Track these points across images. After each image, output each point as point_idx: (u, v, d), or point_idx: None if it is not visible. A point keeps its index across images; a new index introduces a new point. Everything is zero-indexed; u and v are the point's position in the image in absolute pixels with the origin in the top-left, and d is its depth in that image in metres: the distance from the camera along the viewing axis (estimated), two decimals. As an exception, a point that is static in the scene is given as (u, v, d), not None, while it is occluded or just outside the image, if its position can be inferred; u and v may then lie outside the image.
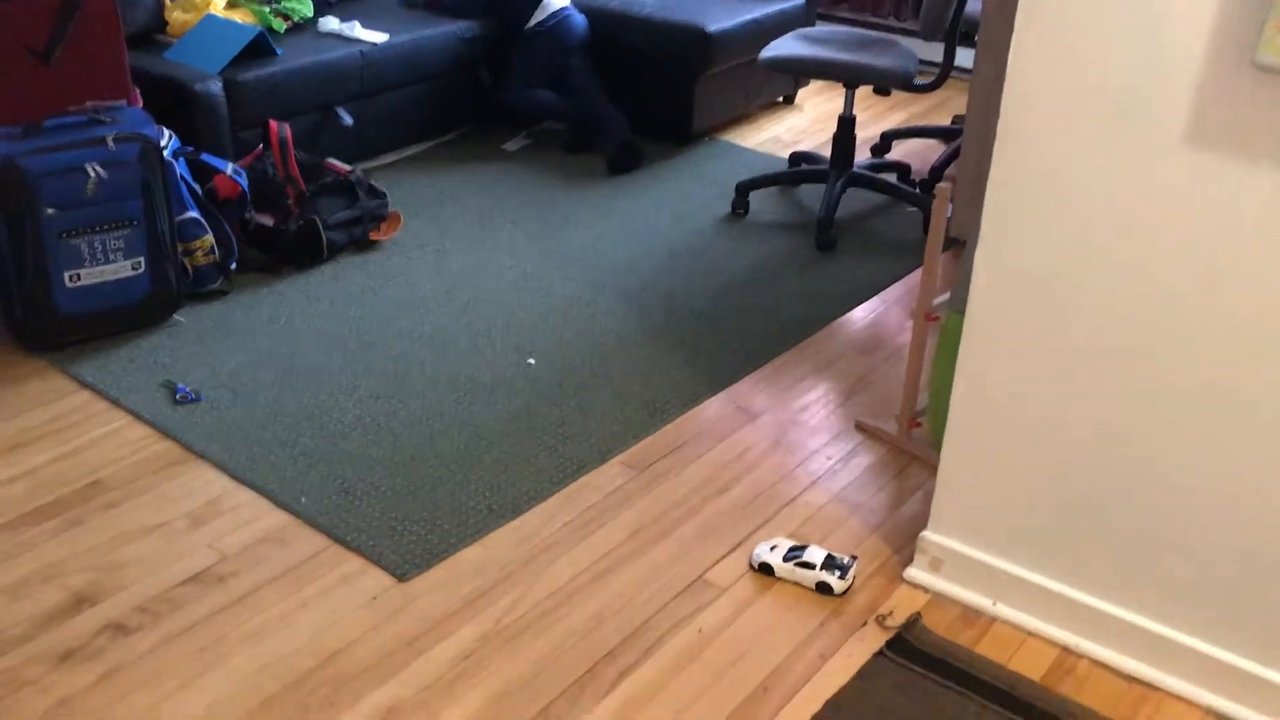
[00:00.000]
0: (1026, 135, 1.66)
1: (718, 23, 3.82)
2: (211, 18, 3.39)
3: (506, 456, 2.37)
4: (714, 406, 2.58)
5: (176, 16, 3.47)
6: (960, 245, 3.07)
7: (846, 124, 3.46)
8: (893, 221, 3.53)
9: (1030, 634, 1.93)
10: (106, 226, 2.60)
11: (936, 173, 3.72)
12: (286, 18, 3.58)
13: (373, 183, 3.27)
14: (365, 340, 2.78)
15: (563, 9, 3.84)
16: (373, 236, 3.23)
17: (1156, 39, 1.50)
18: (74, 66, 2.81)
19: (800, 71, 3.39)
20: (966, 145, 2.19)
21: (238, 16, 3.47)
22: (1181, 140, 1.53)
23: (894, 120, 4.33)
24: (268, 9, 3.54)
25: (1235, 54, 1.45)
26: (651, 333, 2.86)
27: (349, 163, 3.33)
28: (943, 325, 2.20)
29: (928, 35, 3.10)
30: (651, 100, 3.93)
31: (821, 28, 3.62)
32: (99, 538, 2.10)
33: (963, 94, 4.38)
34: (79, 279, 2.61)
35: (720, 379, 2.68)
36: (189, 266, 2.84)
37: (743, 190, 3.52)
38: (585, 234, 3.36)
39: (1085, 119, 1.60)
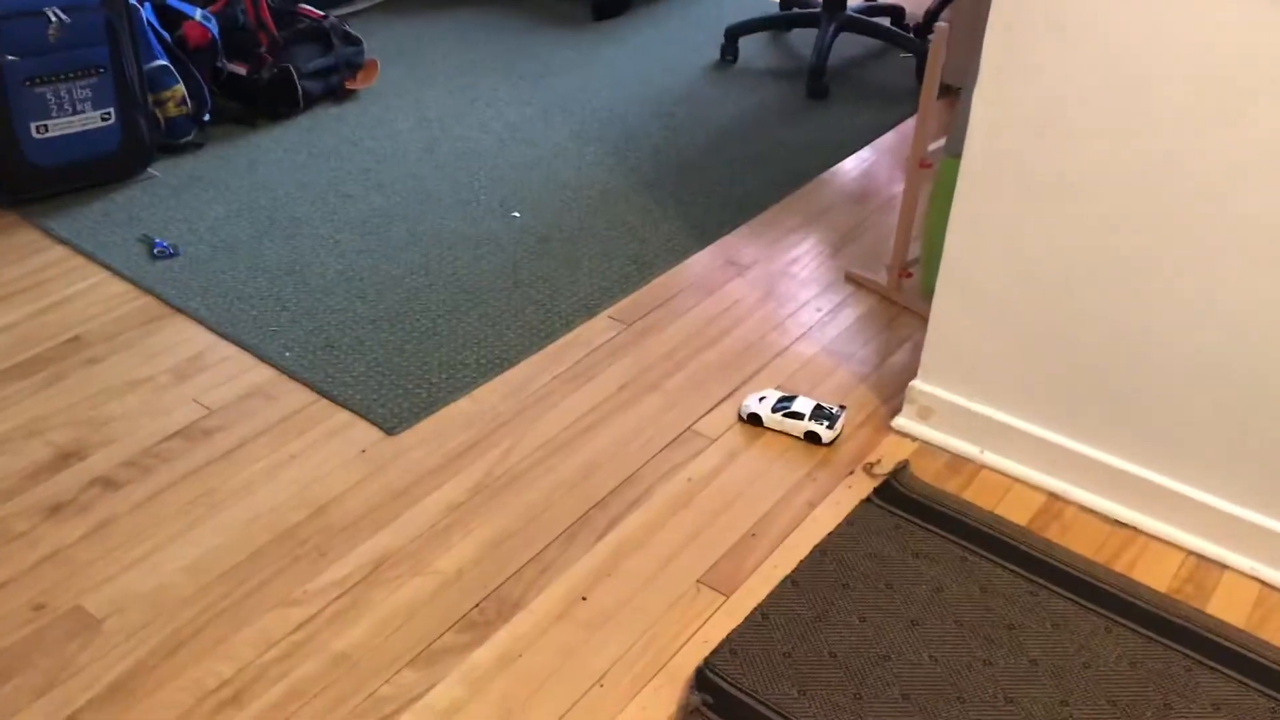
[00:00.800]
0: (1031, -32, 1.59)
1: None
2: None
3: (494, 311, 2.34)
4: (703, 259, 2.54)
5: None
6: (955, 93, 3.00)
7: (839, -35, 3.33)
8: (886, 68, 3.43)
9: (1017, 480, 1.94)
10: (72, 74, 2.50)
11: (932, 16, 3.61)
12: None
13: (348, 29, 3.15)
14: (344, 193, 2.72)
15: None
16: (349, 85, 3.12)
17: None
18: (27, -97, 2.66)
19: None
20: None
21: None
22: (1194, -30, 1.46)
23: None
24: None
25: (1256, -125, 1.37)
26: (639, 185, 2.80)
27: (322, 8, 3.20)
28: (937, 172, 2.15)
29: None
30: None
31: None
32: (82, 393, 2.08)
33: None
34: (46, 130, 2.52)
35: (709, 231, 2.63)
36: (161, 117, 2.75)
37: (732, 35, 3.41)
38: (569, 82, 3.26)
39: (1094, -51, 1.53)
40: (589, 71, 3.32)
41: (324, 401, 2.09)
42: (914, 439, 2.03)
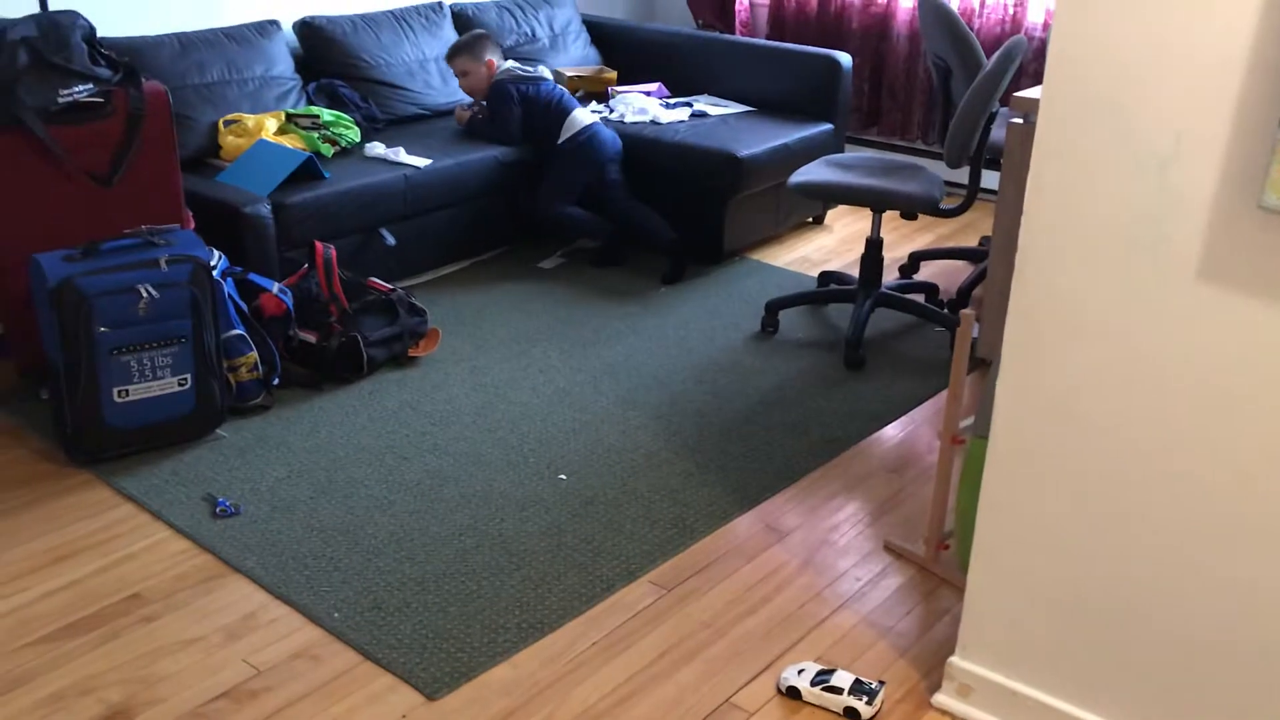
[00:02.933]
0: (1044, 265, 1.72)
1: (748, 148, 3.95)
2: (263, 143, 3.55)
3: (537, 574, 2.40)
4: (743, 525, 2.60)
5: (230, 141, 3.63)
6: (987, 365, 3.11)
7: (874, 246, 3.54)
8: (921, 341, 3.57)
9: (1061, 764, 1.91)
10: (156, 344, 2.70)
11: (964, 294, 3.78)
12: (334, 142, 3.74)
13: (413, 300, 3.38)
14: (401, 455, 2.84)
15: (591, 124, 3.99)
16: (411, 353, 3.31)
17: (1166, 178, 1.56)
18: (132, 191, 2.96)
19: (829, 197, 3.49)
20: (993, 267, 2.26)
21: (288, 142, 3.62)
22: (1191, 277, 1.58)
23: (921, 242, 4.41)
24: (317, 135, 3.70)
25: (1242, 196, 1.51)
26: (682, 449, 2.90)
27: (391, 281, 3.44)
28: (967, 449, 2.23)
29: (952, 163, 3.19)
30: (683, 221, 4.04)
31: (850, 153, 3.73)
32: (136, 651, 2.14)
33: (989, 216, 4.46)
34: (127, 394, 2.70)
35: (750, 497, 2.70)
36: (233, 382, 2.93)
37: (772, 309, 3.60)
38: (617, 350, 3.43)
39: (1098, 251, 1.66)
40: (636, 341, 3.50)
41: (368, 664, 2.13)
42: (954, 716, 2.02)
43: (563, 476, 2.77)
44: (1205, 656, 1.74)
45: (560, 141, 3.98)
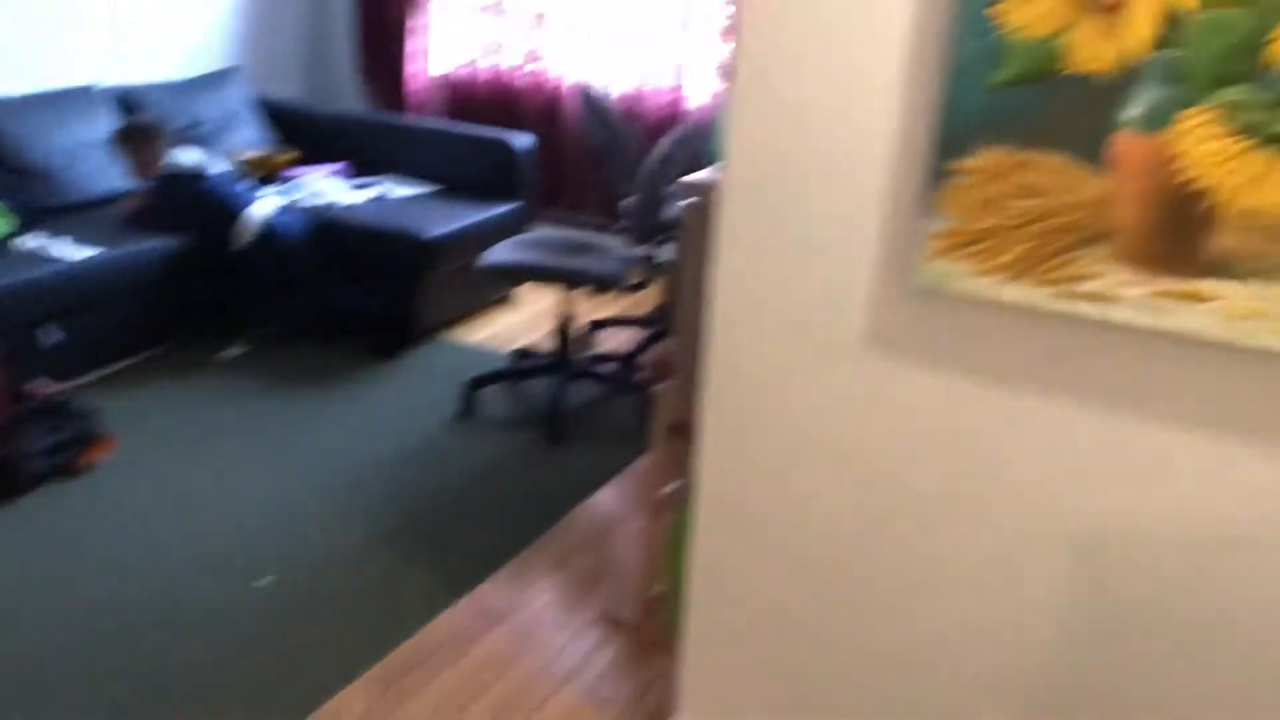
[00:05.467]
0: (731, 340, 1.84)
1: (436, 229, 3.96)
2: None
3: (243, 694, 2.26)
4: (459, 612, 2.57)
5: None
6: (684, 431, 3.27)
7: (566, 320, 3.64)
8: (617, 410, 3.70)
9: (779, 810, 2.01)
10: None
11: (653, 363, 3.95)
12: (-20, 236, 3.42)
13: (82, 402, 3.12)
14: (67, 580, 2.60)
15: (267, 219, 3.86)
16: (82, 460, 3.05)
17: (828, 260, 1.73)
18: None
19: (521, 278, 3.56)
20: (677, 336, 2.38)
21: (-78, 236, 3.28)
22: (857, 351, 1.75)
23: (610, 311, 4.58)
24: (-42, 227, 3.37)
25: (896, 277, 1.69)
26: (388, 540, 2.84)
27: (57, 382, 3.16)
28: (672, 515, 2.33)
29: (637, 241, 3.35)
30: (373, 304, 3.98)
31: (538, 232, 3.83)
32: None
33: (664, 283, 4.70)
34: None
35: (464, 582, 2.68)
36: None
37: (469, 389, 3.61)
38: (312, 442, 3.32)
39: (777, 329, 1.80)
40: (331, 431, 3.40)
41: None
42: (679, 779, 2.08)
43: (262, 582, 2.63)
44: (920, 707, 1.89)
45: (237, 248, 3.83)
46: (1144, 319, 1.49)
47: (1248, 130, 1.38)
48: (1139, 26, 1.41)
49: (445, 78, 5.19)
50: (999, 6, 1.47)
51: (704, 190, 2.12)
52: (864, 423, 1.78)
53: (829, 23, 1.62)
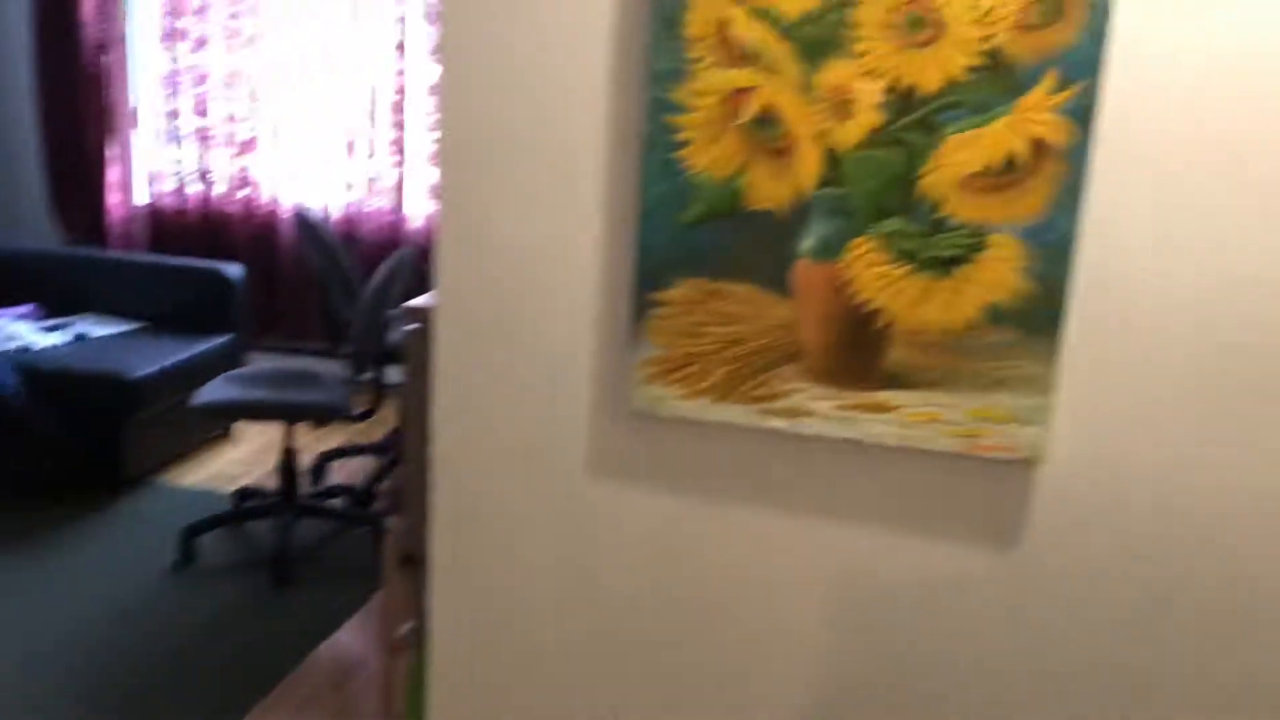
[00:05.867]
0: (455, 470, 1.85)
1: (140, 368, 3.76)
2: None
3: None
4: (184, 784, 2.39)
5: None
6: (417, 563, 3.20)
7: (289, 455, 3.51)
8: (348, 545, 3.58)
9: None
10: None
11: (374, 491, 3.87)
12: None
13: None
14: None
15: None
16: None
17: (547, 389, 1.78)
18: None
19: (238, 416, 3.42)
20: (408, 464, 2.35)
21: None
22: (580, 475, 1.79)
23: (335, 441, 4.46)
24: None
25: (612, 402, 1.76)
26: (103, 713, 2.61)
27: None
28: (411, 656, 2.27)
29: (359, 369, 3.30)
30: (77, 450, 3.71)
31: (252, 367, 3.70)
32: None
33: (392, 409, 4.64)
34: None
35: (187, 751, 2.50)
36: None
37: (188, 535, 3.40)
38: (9, 612, 3.02)
39: (502, 457, 1.82)
40: (30, 596, 3.11)
41: None
42: None
43: (-48, 777, 2.35)
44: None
45: None
46: (833, 430, 1.61)
47: (906, 256, 1.55)
48: (806, 167, 1.56)
49: (150, 206, 4.97)
50: (684, 151, 1.59)
51: (426, 316, 2.13)
52: (590, 547, 1.82)
53: (530, 168, 1.69)
